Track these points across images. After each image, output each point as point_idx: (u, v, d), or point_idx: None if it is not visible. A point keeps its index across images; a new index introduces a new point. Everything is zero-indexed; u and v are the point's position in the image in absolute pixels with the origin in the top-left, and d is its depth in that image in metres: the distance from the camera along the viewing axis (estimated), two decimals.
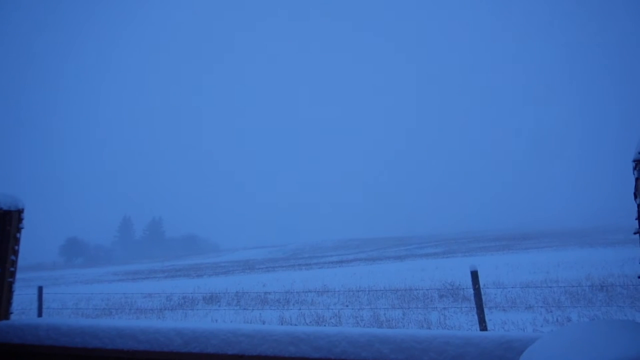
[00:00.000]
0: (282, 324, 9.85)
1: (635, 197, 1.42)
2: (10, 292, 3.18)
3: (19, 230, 3.21)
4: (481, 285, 7.77)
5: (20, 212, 3.20)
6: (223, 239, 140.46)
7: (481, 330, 7.27)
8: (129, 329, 2.60)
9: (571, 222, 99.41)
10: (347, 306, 11.89)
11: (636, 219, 1.49)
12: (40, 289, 11.69)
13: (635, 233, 1.53)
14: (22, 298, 16.63)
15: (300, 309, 11.58)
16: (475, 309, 7.80)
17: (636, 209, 1.44)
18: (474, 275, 7.51)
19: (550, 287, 12.09)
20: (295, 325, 9.62)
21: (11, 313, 3.20)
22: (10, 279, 3.17)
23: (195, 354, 2.39)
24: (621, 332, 1.25)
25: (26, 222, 3.28)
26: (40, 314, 11.35)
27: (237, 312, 12.12)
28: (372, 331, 2.21)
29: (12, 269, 3.17)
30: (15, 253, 3.20)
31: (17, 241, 3.20)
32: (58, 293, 19.78)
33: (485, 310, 8.19)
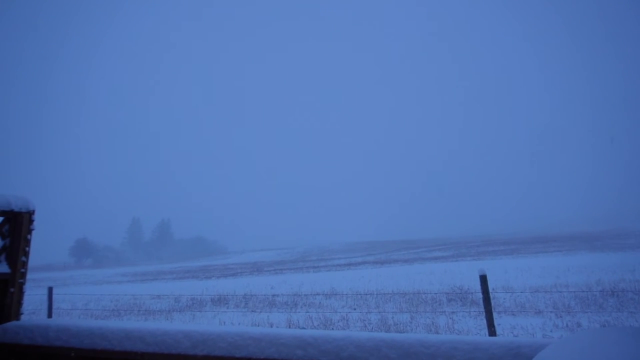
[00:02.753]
0: (289, 327, 9.85)
1: None
2: (20, 292, 3.21)
3: (29, 231, 3.24)
4: (490, 290, 7.71)
5: (31, 213, 3.23)
6: (231, 241, 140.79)
7: (490, 335, 7.21)
8: (137, 330, 2.61)
9: (581, 226, 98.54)
10: (354, 309, 11.87)
11: None
12: (50, 290, 11.78)
13: None
14: (33, 299, 16.77)
15: (308, 312, 11.57)
16: (484, 313, 7.75)
17: None
18: (483, 279, 7.46)
19: (560, 291, 11.99)
20: (303, 328, 9.61)
21: (22, 314, 3.23)
22: (21, 280, 3.20)
23: (203, 357, 2.40)
24: (633, 339, 1.23)
25: (37, 224, 3.31)
26: (50, 315, 11.43)
27: (245, 314, 12.13)
28: (380, 335, 2.20)
29: (22, 269, 3.20)
30: (26, 254, 3.23)
31: (27, 242, 3.23)
32: (68, 294, 19.92)
33: (494, 315, 8.13)
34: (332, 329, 9.41)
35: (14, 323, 3.00)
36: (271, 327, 9.87)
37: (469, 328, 9.03)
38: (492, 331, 7.22)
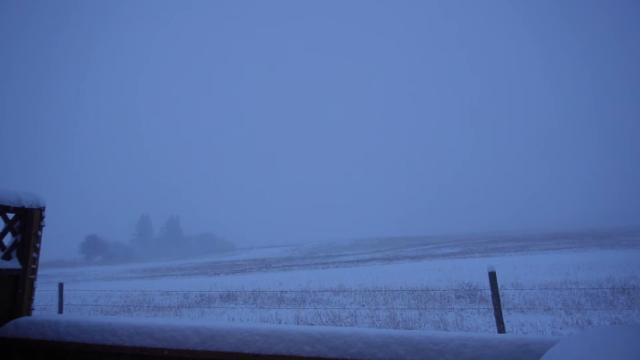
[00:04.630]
0: (298, 323, 9.87)
1: None
2: (31, 288, 3.24)
3: (40, 228, 3.27)
4: (499, 286, 7.68)
5: (41, 210, 3.26)
6: (239, 237, 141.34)
7: (499, 332, 7.18)
8: (146, 326, 2.63)
9: (591, 223, 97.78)
10: (363, 306, 11.86)
11: None
12: (60, 286, 11.89)
13: None
14: (44, 294, 16.95)
15: (316, 308, 11.58)
16: (492, 310, 7.72)
17: None
18: (492, 276, 7.43)
19: (570, 288, 11.90)
20: (311, 324, 9.63)
21: (32, 309, 3.26)
22: (32, 276, 3.23)
23: (211, 352, 2.41)
24: None
25: (47, 220, 3.34)
26: (60, 310, 11.55)
27: (253, 311, 12.17)
28: (388, 332, 2.20)
29: (33, 266, 3.23)
30: (37, 250, 3.26)
31: (38, 239, 3.26)
32: (78, 290, 20.10)
33: (503, 312, 8.09)
34: (341, 325, 9.42)
35: (25, 318, 3.02)
36: (279, 323, 9.90)
37: (478, 325, 9.00)
38: (501, 328, 7.19)
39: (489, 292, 7.86)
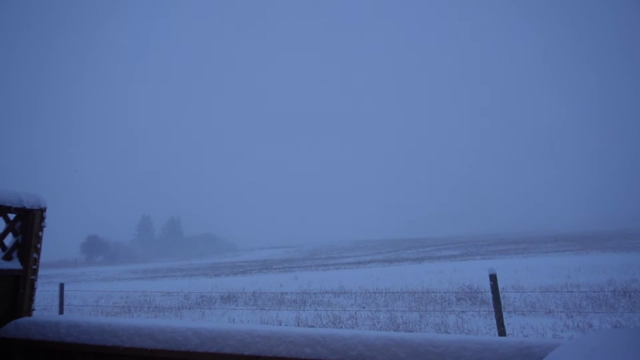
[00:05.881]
0: (298, 325, 9.86)
1: None
2: (32, 289, 3.25)
3: (41, 228, 3.28)
4: (500, 289, 7.67)
5: (42, 210, 3.27)
6: (240, 238, 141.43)
7: (499, 334, 7.17)
8: (147, 328, 2.63)
9: (593, 225, 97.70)
10: (363, 308, 11.86)
11: None
12: (61, 286, 11.90)
13: None
14: (44, 295, 16.97)
15: (316, 310, 11.58)
16: (493, 312, 7.70)
17: None
18: (493, 278, 7.42)
19: (571, 291, 11.88)
20: (312, 326, 9.62)
21: (33, 310, 3.27)
22: (33, 276, 3.24)
23: (212, 354, 2.41)
24: None
25: (48, 221, 3.35)
26: (61, 311, 11.55)
27: (254, 312, 12.17)
28: (389, 334, 2.20)
29: (34, 266, 3.24)
30: (38, 251, 3.27)
31: (39, 239, 3.27)
32: (79, 290, 20.10)
33: (504, 315, 8.07)
34: (341, 327, 9.42)
35: (26, 319, 3.03)
36: (280, 325, 9.90)
37: (479, 327, 8.98)
38: (501, 331, 7.17)
39: (490, 295, 7.86)
